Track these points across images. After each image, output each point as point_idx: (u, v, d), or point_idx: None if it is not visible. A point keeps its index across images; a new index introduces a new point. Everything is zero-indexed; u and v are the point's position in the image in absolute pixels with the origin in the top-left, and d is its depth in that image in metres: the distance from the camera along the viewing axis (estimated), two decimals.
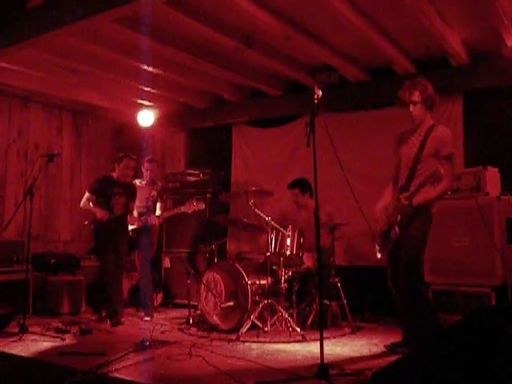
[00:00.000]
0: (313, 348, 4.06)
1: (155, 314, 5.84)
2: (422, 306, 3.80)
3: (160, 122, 7.50)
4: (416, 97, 3.88)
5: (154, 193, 5.97)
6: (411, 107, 3.91)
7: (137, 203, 5.81)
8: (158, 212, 5.99)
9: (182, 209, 5.60)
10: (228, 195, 6.78)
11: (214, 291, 5.04)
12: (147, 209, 5.86)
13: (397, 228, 3.82)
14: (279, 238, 5.05)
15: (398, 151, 4.06)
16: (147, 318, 5.63)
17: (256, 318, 4.80)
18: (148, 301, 5.78)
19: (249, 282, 4.98)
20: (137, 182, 6.04)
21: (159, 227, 6.30)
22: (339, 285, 5.14)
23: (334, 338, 4.63)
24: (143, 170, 6.18)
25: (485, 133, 5.57)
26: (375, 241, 4.02)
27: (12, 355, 3.98)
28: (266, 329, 4.75)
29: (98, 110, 7.53)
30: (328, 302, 5.07)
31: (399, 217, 3.81)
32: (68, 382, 3.25)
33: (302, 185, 5.65)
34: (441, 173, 3.75)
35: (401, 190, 3.87)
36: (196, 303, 5.47)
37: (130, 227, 5.79)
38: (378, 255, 4.01)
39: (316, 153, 3.49)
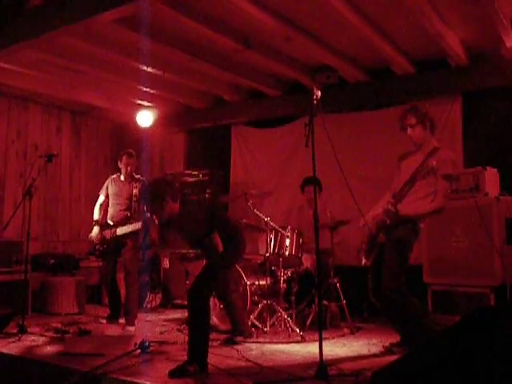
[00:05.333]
0: (312, 348, 4.06)
1: (155, 315, 5.81)
2: (405, 312, 3.81)
3: (159, 123, 7.49)
4: (410, 120, 3.93)
5: (136, 191, 5.36)
6: (409, 130, 3.95)
7: (117, 207, 5.41)
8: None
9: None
10: (227, 196, 6.78)
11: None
12: (132, 211, 5.32)
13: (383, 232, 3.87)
14: (278, 238, 5.05)
15: (400, 166, 4.12)
16: (129, 328, 5.15)
17: (255, 318, 4.81)
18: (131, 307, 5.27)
19: (248, 283, 4.98)
20: (112, 177, 5.59)
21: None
22: (338, 285, 5.14)
23: (333, 338, 4.63)
24: (121, 165, 5.51)
25: (484, 133, 5.57)
26: (361, 249, 4.05)
27: (11, 356, 3.97)
28: (265, 329, 4.75)
29: (97, 110, 7.53)
30: (327, 303, 5.07)
31: (387, 221, 3.84)
32: (67, 383, 3.25)
33: (317, 182, 5.64)
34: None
35: (393, 198, 3.90)
36: None
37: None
38: (363, 262, 4.05)
39: (315, 153, 3.49)
